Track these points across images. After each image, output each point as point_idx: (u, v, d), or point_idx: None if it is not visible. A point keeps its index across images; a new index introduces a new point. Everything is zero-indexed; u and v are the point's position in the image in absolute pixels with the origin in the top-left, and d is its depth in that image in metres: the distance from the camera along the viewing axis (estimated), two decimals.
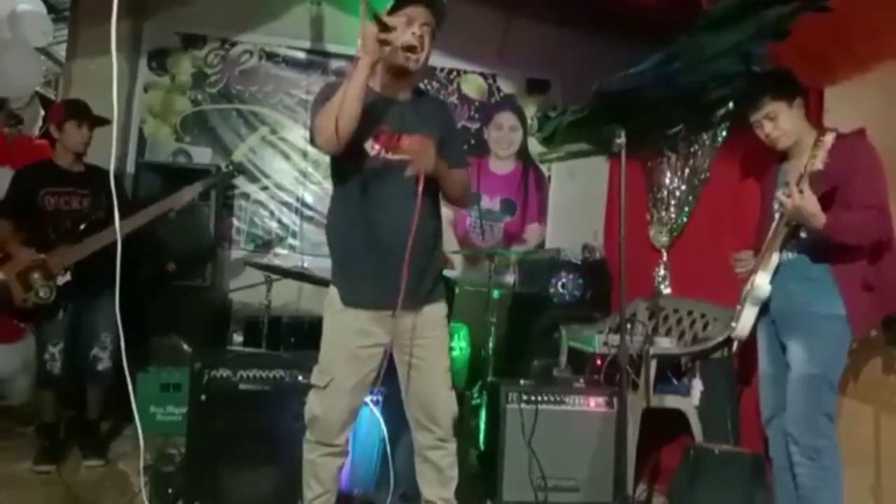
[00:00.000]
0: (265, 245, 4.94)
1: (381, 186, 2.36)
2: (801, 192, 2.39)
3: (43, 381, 3.49)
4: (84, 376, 3.56)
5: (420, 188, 2.26)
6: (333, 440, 2.44)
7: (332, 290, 2.47)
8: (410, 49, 2.27)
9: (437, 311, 2.50)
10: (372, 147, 2.36)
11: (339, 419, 2.43)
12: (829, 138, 2.43)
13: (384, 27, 2.18)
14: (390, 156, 2.36)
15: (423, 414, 2.47)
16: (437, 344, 2.49)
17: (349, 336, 2.40)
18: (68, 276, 3.38)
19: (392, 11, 2.29)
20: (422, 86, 4.86)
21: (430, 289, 2.47)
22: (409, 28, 2.27)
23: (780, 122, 2.69)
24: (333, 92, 2.29)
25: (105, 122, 3.53)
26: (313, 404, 2.44)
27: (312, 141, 2.38)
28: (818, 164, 2.40)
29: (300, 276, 3.90)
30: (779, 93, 2.68)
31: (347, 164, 2.37)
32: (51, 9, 4.79)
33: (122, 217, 2.84)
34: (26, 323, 3.81)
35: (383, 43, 2.19)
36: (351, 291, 2.42)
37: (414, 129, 2.37)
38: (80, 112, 3.52)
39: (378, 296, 2.36)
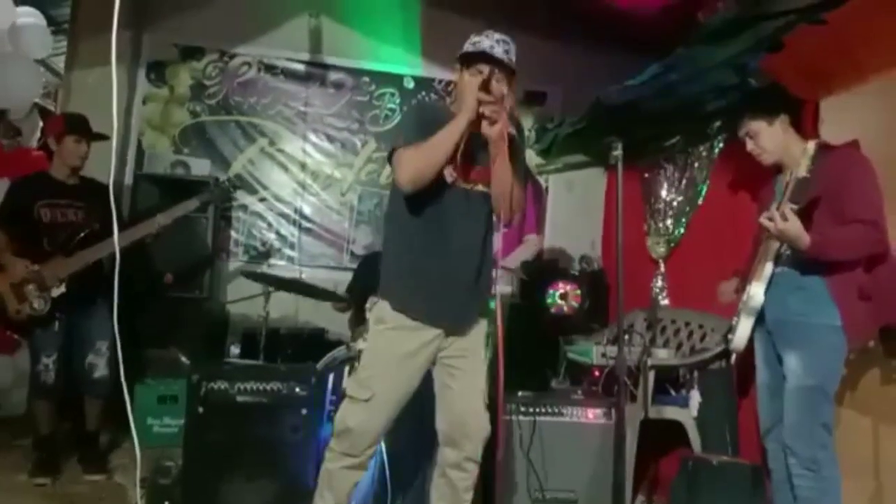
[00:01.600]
0: (262, 255, 4.93)
1: (451, 211, 2.43)
2: (782, 214, 2.41)
3: (37, 391, 3.48)
4: (80, 386, 3.55)
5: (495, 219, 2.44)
6: (361, 452, 2.43)
7: (384, 306, 2.47)
8: (490, 120, 2.34)
9: (482, 327, 2.55)
10: (450, 174, 2.43)
11: (373, 433, 2.43)
12: (810, 146, 2.48)
13: (486, 88, 2.30)
14: (462, 184, 2.45)
15: (455, 428, 2.47)
16: (478, 358, 2.52)
17: (399, 357, 2.41)
18: (63, 288, 3.37)
19: (469, 64, 2.43)
20: (415, 99, 4.91)
21: (481, 309, 2.54)
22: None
23: (759, 140, 2.73)
24: (423, 117, 2.43)
25: (104, 137, 3.54)
26: (348, 416, 2.43)
27: (394, 174, 2.45)
28: (802, 172, 2.42)
29: (295, 286, 3.90)
30: (757, 112, 2.73)
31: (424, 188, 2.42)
32: (50, 21, 4.80)
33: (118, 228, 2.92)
34: (19, 334, 3.80)
35: (483, 102, 2.30)
36: (410, 304, 2.43)
37: (487, 162, 2.45)
38: (79, 128, 3.53)
39: (437, 313, 2.42)
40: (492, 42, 2.43)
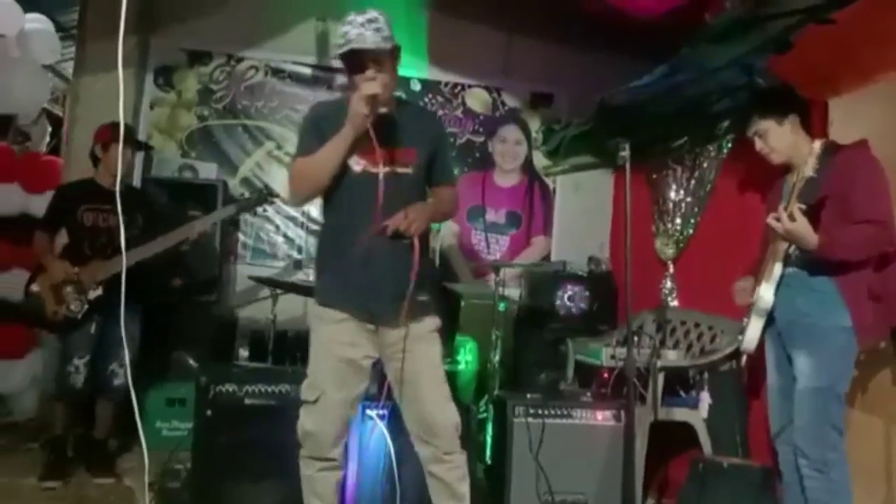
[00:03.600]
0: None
1: (364, 200, 2.36)
2: (790, 214, 2.40)
3: (63, 392, 3.50)
4: (99, 389, 3.56)
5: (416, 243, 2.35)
6: (328, 454, 2.44)
7: (313, 304, 2.48)
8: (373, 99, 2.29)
9: (424, 326, 2.47)
10: (357, 163, 2.38)
11: (331, 433, 2.43)
12: (816, 144, 2.50)
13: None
14: (375, 170, 2.37)
15: (420, 428, 2.45)
16: (427, 355, 2.46)
17: (336, 348, 2.41)
18: (100, 291, 3.42)
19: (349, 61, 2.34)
20: (422, 102, 4.93)
21: (417, 304, 2.41)
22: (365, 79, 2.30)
23: (769, 139, 2.71)
24: (317, 124, 2.40)
25: (149, 147, 3.59)
26: (305, 420, 2.45)
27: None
28: (808, 171, 2.42)
29: (305, 289, 3.89)
30: (767, 111, 2.71)
31: (333, 183, 2.40)
32: (58, 27, 4.83)
33: (154, 234, 3.32)
34: (52, 334, 3.85)
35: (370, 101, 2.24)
36: (336, 300, 2.43)
37: (399, 144, 2.40)
38: (126, 138, 3.56)
39: (361, 307, 2.39)
40: (358, 29, 2.25)
